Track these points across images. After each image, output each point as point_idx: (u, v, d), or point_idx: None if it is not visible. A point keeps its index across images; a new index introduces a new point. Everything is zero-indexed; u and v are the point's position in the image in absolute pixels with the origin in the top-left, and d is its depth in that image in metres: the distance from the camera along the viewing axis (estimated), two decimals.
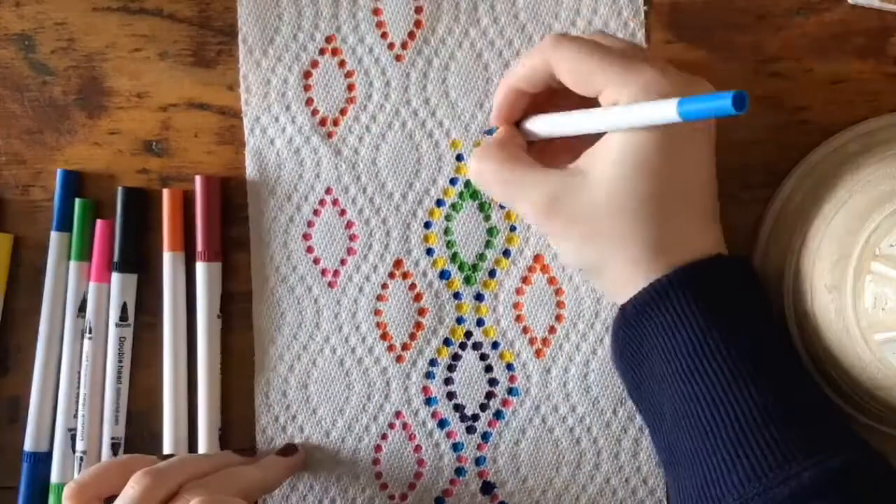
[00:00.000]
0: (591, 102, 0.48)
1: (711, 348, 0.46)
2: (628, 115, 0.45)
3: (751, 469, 0.44)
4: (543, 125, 0.51)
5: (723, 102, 0.40)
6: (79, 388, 0.56)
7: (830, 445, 0.45)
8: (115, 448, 0.56)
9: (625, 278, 0.48)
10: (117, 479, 0.48)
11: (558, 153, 0.51)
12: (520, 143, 0.51)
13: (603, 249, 0.48)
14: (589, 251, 0.49)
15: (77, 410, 0.56)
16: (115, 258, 0.56)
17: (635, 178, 0.47)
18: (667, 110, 0.43)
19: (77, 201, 0.57)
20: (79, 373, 0.56)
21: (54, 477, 0.56)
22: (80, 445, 0.56)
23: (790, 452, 0.44)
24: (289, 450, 0.55)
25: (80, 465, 0.56)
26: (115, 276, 0.56)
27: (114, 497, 0.48)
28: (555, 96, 0.51)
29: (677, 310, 0.47)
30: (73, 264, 0.56)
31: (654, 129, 0.46)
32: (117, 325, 0.56)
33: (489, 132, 0.55)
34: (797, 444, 0.44)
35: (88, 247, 0.57)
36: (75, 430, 0.56)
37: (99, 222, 0.56)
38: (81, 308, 0.56)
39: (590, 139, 0.48)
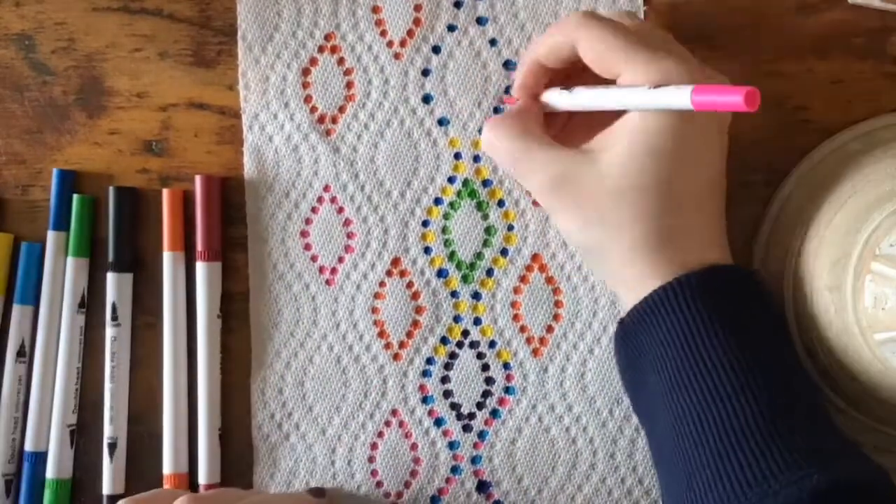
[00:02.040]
0: (609, 84, 0.48)
1: (703, 361, 0.46)
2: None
3: (730, 486, 0.44)
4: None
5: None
6: (77, 383, 0.56)
7: (812, 459, 0.44)
8: (111, 448, 0.56)
9: (623, 264, 0.48)
10: None
11: (575, 133, 0.51)
12: (536, 117, 0.51)
13: (605, 232, 0.48)
14: (591, 233, 0.49)
15: (75, 406, 0.56)
16: (110, 258, 0.56)
17: (645, 162, 0.46)
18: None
19: (75, 197, 0.57)
20: (78, 368, 0.56)
21: (50, 472, 0.56)
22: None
23: (770, 468, 0.43)
24: (317, 492, 0.55)
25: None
26: (109, 276, 0.56)
27: None
28: (574, 74, 0.51)
29: (674, 322, 0.46)
30: (70, 260, 0.57)
31: (669, 118, 0.46)
32: (109, 325, 0.56)
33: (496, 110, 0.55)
34: (778, 459, 0.43)
35: (87, 243, 0.57)
36: (73, 426, 0.56)
37: None
38: (81, 304, 0.56)
39: (606, 122, 0.48)
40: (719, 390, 0.45)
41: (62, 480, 0.56)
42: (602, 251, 0.49)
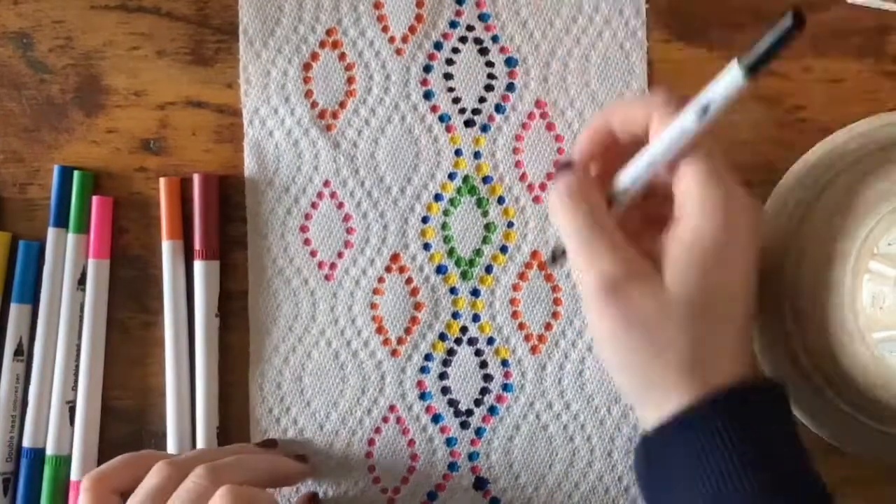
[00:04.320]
0: None
1: (740, 480, 0.43)
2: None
3: None
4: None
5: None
6: (77, 360, 0.56)
7: None
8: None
9: (653, 382, 0.45)
10: (136, 472, 0.48)
11: (644, 230, 0.48)
12: (599, 194, 0.47)
13: (647, 347, 0.45)
14: (630, 351, 0.45)
15: (76, 383, 0.56)
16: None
17: (695, 278, 0.44)
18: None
19: (76, 174, 0.57)
20: (77, 346, 0.56)
21: (50, 449, 0.56)
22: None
23: None
24: (299, 458, 0.55)
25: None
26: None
27: (129, 492, 0.48)
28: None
29: (708, 440, 0.44)
30: (71, 237, 0.57)
31: (716, 232, 0.44)
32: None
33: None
34: None
35: (87, 219, 0.57)
36: (73, 402, 0.56)
37: (95, 199, 0.57)
38: (81, 281, 0.56)
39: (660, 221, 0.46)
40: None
41: (61, 457, 0.56)
42: (640, 365, 0.45)
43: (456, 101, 0.55)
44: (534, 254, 0.55)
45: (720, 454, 0.44)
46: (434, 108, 0.56)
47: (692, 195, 0.45)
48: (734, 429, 0.44)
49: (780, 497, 0.44)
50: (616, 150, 0.48)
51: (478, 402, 0.55)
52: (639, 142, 0.46)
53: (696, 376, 0.45)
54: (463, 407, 0.55)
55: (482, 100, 0.55)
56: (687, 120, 0.44)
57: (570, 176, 0.46)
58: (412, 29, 0.56)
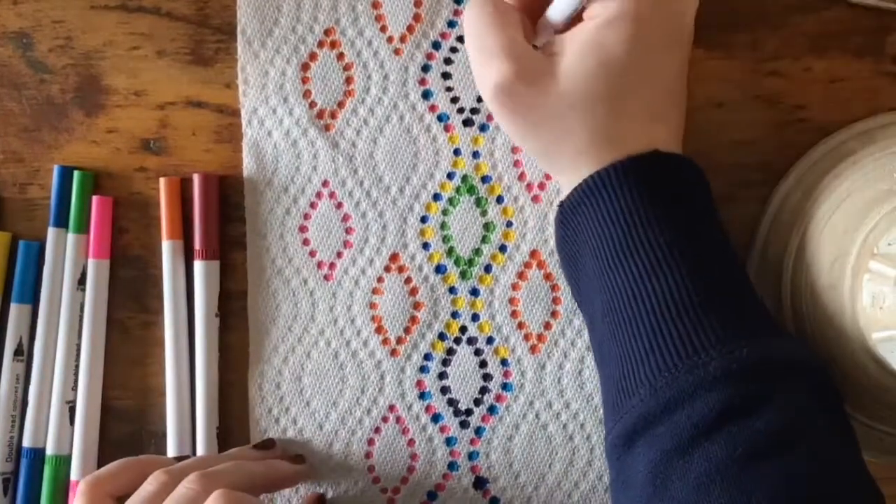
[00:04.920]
0: None
1: (638, 238, 0.46)
2: None
3: (662, 360, 0.44)
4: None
5: None
6: (77, 360, 0.56)
7: (744, 334, 0.44)
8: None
9: (570, 167, 0.48)
10: (133, 477, 0.49)
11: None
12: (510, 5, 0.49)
13: (551, 138, 0.48)
14: (538, 139, 0.48)
15: (76, 383, 0.56)
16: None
17: (598, 72, 0.46)
18: None
19: (76, 174, 0.57)
20: (77, 346, 0.56)
21: (50, 448, 0.56)
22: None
23: (701, 342, 0.44)
24: (296, 459, 0.55)
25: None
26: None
27: (125, 497, 0.48)
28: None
29: (609, 201, 0.46)
30: (71, 236, 0.57)
31: (625, 28, 0.46)
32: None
33: None
34: (710, 333, 0.44)
35: (87, 219, 0.57)
36: (73, 402, 0.56)
37: (95, 199, 0.57)
38: (81, 281, 0.56)
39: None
40: (653, 266, 0.45)
41: (61, 457, 0.56)
42: (547, 154, 0.49)
43: (454, 100, 0.55)
44: (533, 253, 0.55)
45: (623, 211, 0.46)
46: (432, 108, 0.55)
47: None
48: (634, 187, 0.46)
49: (674, 252, 0.45)
50: None
51: (477, 402, 0.55)
52: None
53: (603, 150, 0.47)
54: (462, 406, 0.55)
55: (480, 99, 0.55)
56: None
57: None
58: (410, 28, 0.55)
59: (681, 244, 0.45)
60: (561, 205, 0.49)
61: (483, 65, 0.48)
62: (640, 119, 0.47)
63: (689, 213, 0.47)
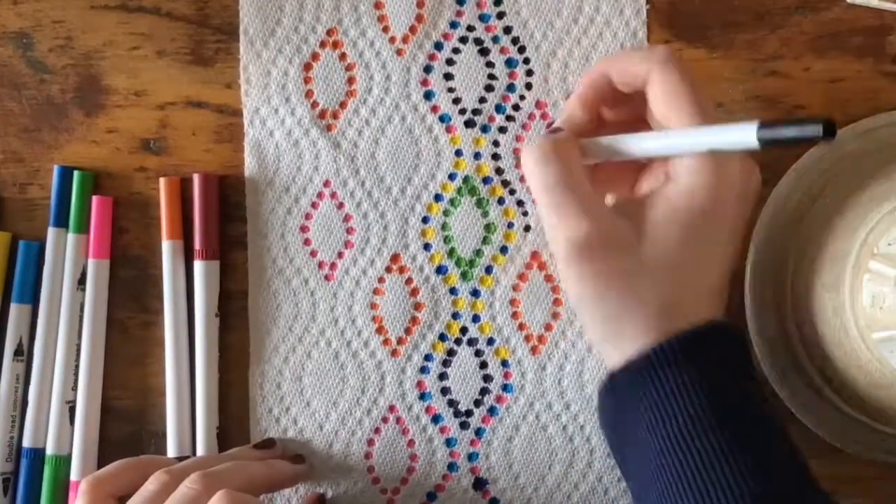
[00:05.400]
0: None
1: (704, 424, 0.44)
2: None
3: None
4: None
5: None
6: (77, 360, 0.56)
7: None
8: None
9: (629, 335, 0.46)
10: (134, 477, 0.49)
11: (615, 179, 0.49)
12: (577, 153, 0.47)
13: (618, 304, 0.45)
14: (600, 302, 0.46)
15: (76, 383, 0.56)
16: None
17: (682, 241, 0.45)
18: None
19: (76, 174, 0.57)
20: (77, 346, 0.56)
21: (50, 448, 0.56)
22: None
23: None
24: (296, 459, 0.55)
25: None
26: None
27: (126, 497, 0.48)
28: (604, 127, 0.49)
29: (672, 382, 0.44)
30: (71, 236, 0.57)
31: (705, 199, 0.45)
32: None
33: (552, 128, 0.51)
34: None
35: (87, 219, 0.57)
36: (73, 402, 0.56)
37: (95, 199, 0.57)
38: (81, 281, 0.56)
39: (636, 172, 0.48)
40: (724, 451, 0.43)
41: (61, 457, 0.56)
42: (607, 320, 0.46)
43: (456, 101, 0.55)
44: (533, 254, 0.55)
45: (682, 394, 0.44)
46: (434, 109, 0.56)
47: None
48: (693, 372, 0.44)
49: (738, 440, 0.43)
50: (611, 96, 0.49)
51: (477, 403, 0.55)
52: (636, 92, 0.47)
53: (664, 320, 0.45)
54: (463, 407, 0.55)
55: (482, 100, 0.55)
56: (683, 144, 0.45)
57: (549, 136, 0.47)
58: (413, 29, 0.56)
59: (744, 432, 0.44)
60: (613, 375, 0.47)
61: (560, 219, 0.46)
62: (708, 289, 0.46)
63: (744, 390, 0.45)
